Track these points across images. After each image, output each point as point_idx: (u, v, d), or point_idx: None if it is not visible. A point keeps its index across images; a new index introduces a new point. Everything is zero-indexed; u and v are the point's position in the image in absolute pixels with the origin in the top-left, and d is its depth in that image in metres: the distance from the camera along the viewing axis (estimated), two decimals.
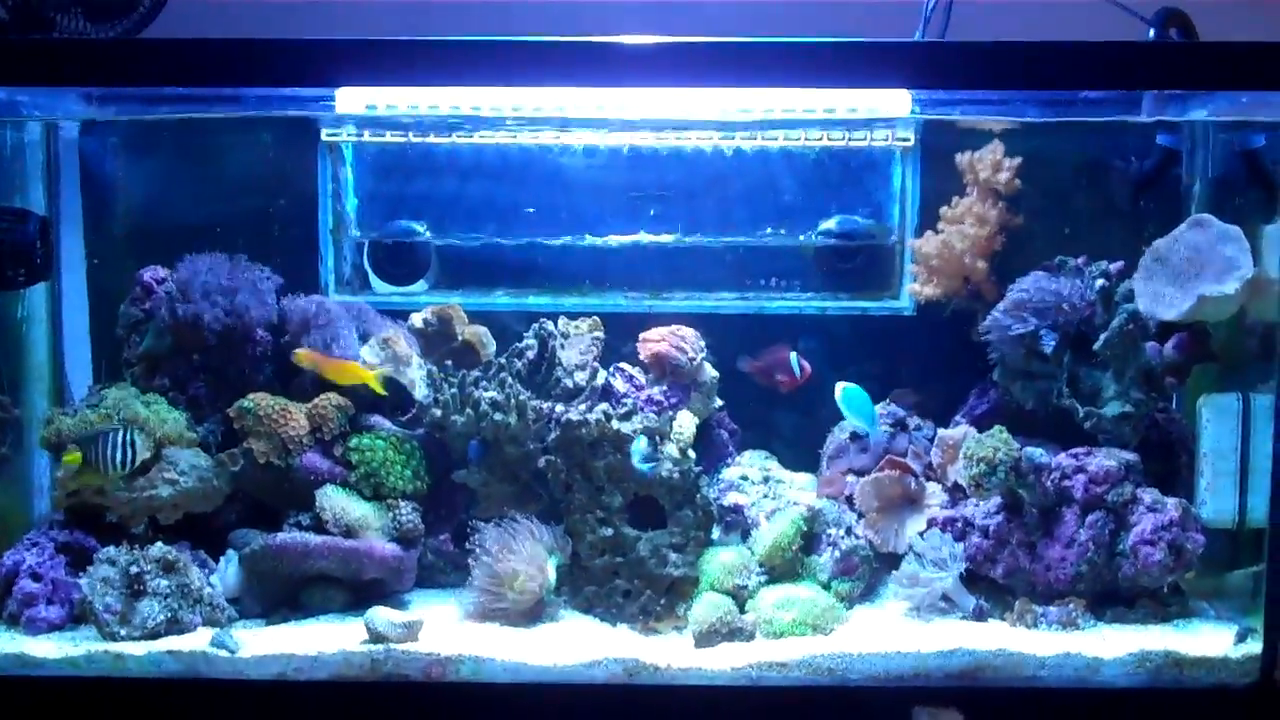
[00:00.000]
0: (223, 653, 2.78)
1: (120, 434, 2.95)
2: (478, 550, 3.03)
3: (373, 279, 3.52)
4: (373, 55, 2.66)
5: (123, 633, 2.82)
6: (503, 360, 3.20)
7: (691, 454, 3.12)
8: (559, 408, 3.15)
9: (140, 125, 3.43)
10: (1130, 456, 3.01)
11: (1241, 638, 2.83)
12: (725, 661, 2.79)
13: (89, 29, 2.92)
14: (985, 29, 3.06)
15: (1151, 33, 2.95)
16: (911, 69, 2.69)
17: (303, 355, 3.16)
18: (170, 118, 3.30)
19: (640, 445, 3.02)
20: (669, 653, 2.83)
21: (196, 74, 2.69)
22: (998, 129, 3.28)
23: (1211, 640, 2.84)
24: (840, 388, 3.17)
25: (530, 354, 3.21)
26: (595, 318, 3.34)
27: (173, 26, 2.93)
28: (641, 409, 3.16)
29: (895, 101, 2.95)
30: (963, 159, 3.32)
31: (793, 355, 3.27)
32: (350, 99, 2.99)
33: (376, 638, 2.81)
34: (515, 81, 2.73)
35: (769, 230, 3.47)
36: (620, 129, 3.34)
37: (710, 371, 3.33)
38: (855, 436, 3.30)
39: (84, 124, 3.41)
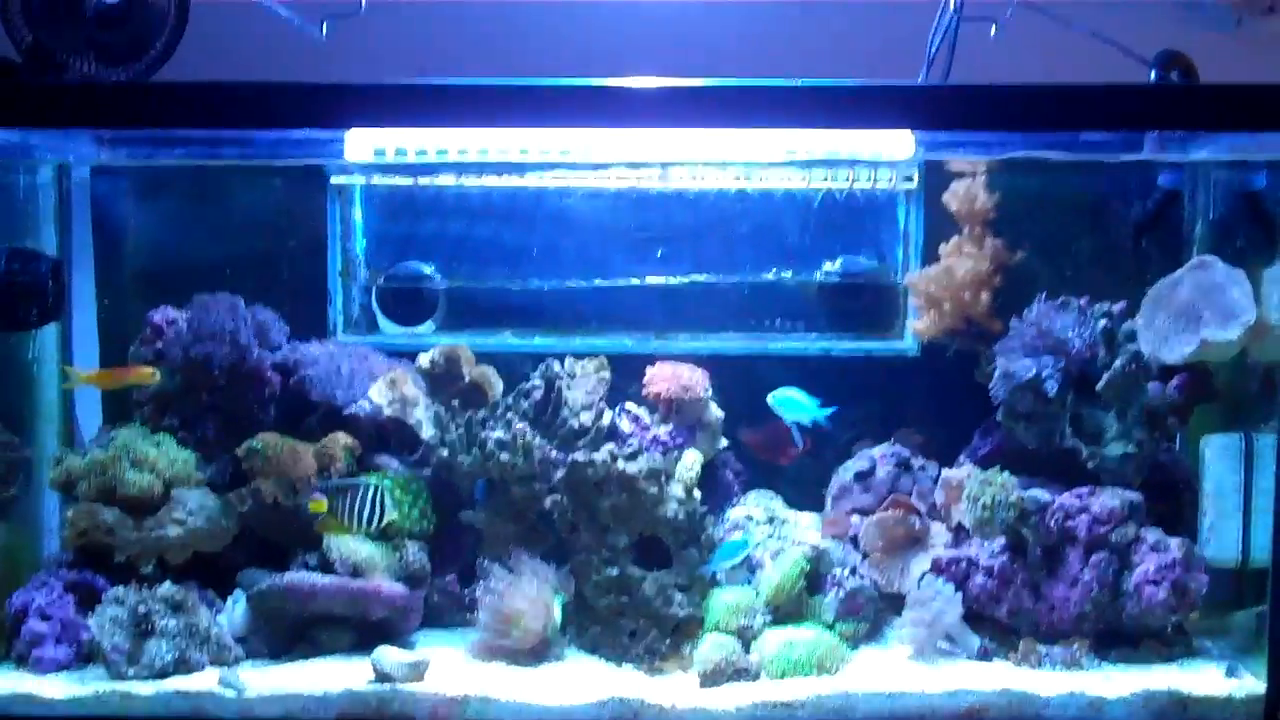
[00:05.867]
0: (230, 692, 2.79)
1: (370, 491, 2.98)
2: (484, 590, 3.04)
3: (381, 320, 3.54)
4: (381, 99, 2.69)
5: (131, 672, 2.83)
6: (509, 400, 3.22)
7: (697, 494, 3.14)
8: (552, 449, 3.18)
9: (151, 167, 3.46)
10: (1133, 496, 3.02)
11: (1231, 674, 2.85)
12: (730, 702, 2.79)
13: (101, 72, 2.94)
14: (988, 71, 3.08)
15: (1153, 74, 2.97)
16: (916, 111, 2.72)
17: (80, 375, 3.27)
18: (182, 162, 3.34)
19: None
20: (674, 693, 2.83)
21: (206, 117, 2.72)
22: (998, 170, 3.30)
23: (1216, 680, 2.84)
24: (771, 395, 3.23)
25: (537, 394, 3.22)
26: (601, 358, 3.35)
27: (183, 70, 2.96)
28: (647, 449, 3.17)
29: (899, 143, 2.98)
30: (948, 196, 3.34)
31: (792, 427, 3.29)
32: (359, 142, 3.01)
33: (383, 677, 2.82)
34: (520, 124, 2.76)
35: (774, 271, 3.50)
36: (627, 169, 3.36)
37: (716, 411, 3.34)
38: (859, 476, 3.31)
39: (95, 166, 3.44)
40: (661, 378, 3.31)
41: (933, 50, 3.09)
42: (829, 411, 3.21)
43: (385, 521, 3.00)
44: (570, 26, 3.45)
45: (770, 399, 3.21)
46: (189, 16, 2.95)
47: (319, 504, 2.98)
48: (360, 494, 2.98)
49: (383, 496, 2.98)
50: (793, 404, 3.20)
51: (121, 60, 2.96)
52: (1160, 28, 3.38)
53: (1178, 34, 3.33)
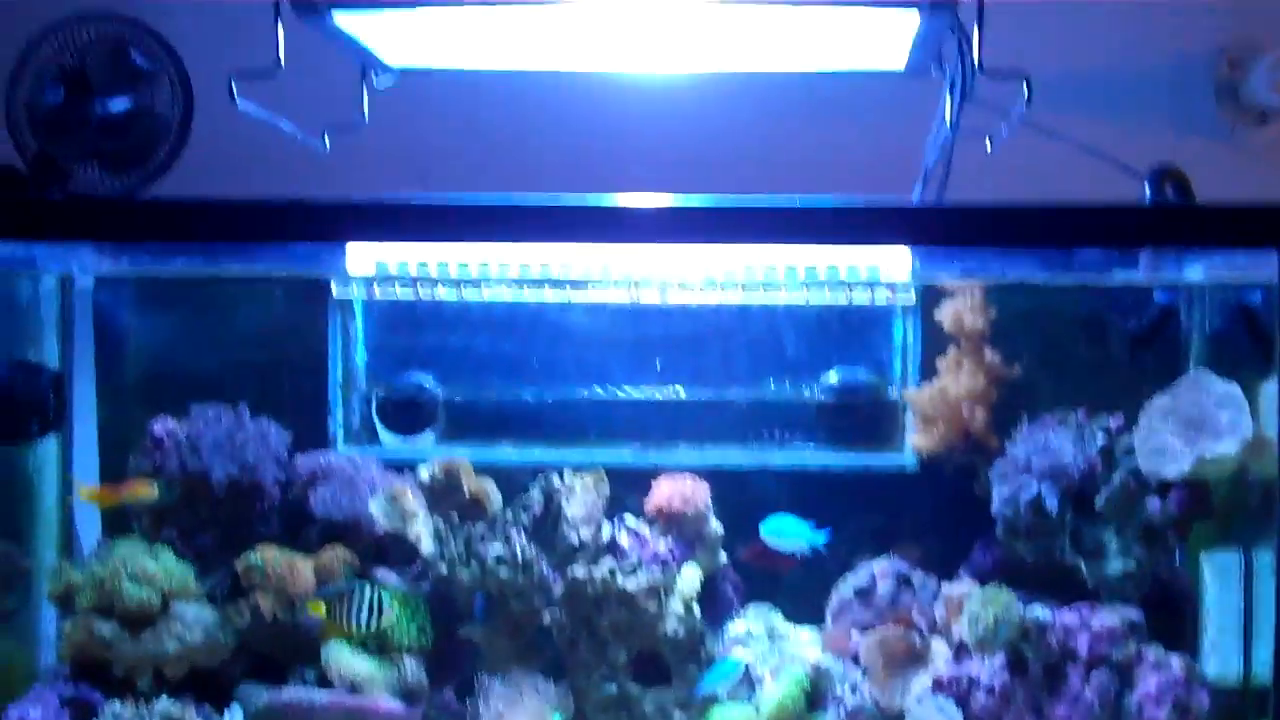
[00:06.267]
0: None
1: (367, 593, 2.98)
2: (483, 707, 3.03)
3: (381, 431, 3.55)
4: (380, 215, 2.70)
5: None
6: (508, 514, 3.22)
7: (697, 609, 3.13)
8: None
9: (154, 277, 3.48)
10: (1134, 614, 3.01)
11: None
12: None
13: (105, 179, 2.96)
14: (983, 186, 3.10)
15: (1147, 190, 2.99)
16: (911, 230, 2.73)
17: (81, 492, 3.27)
18: (185, 272, 3.36)
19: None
20: None
21: (207, 231, 2.74)
22: (994, 286, 3.32)
23: None
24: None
25: (535, 508, 3.22)
26: (600, 471, 3.32)
27: (185, 178, 2.99)
28: (647, 565, 3.16)
29: (896, 262, 3.00)
30: (942, 315, 3.36)
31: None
32: (360, 256, 3.04)
33: None
34: (519, 239, 2.78)
35: (773, 384, 3.50)
36: (626, 286, 3.38)
37: (716, 525, 3.33)
38: (860, 593, 3.29)
39: (98, 276, 3.46)
40: (662, 492, 3.30)
41: (928, 166, 3.12)
42: (823, 538, 3.20)
43: (384, 623, 3.00)
44: (572, 140, 3.48)
45: (762, 530, 3.20)
46: (192, 125, 2.98)
47: (316, 605, 2.98)
48: (357, 596, 2.98)
49: (379, 598, 2.98)
50: (785, 533, 3.19)
51: (125, 168, 2.99)
52: (1155, 137, 3.42)
53: (1172, 143, 3.36)
